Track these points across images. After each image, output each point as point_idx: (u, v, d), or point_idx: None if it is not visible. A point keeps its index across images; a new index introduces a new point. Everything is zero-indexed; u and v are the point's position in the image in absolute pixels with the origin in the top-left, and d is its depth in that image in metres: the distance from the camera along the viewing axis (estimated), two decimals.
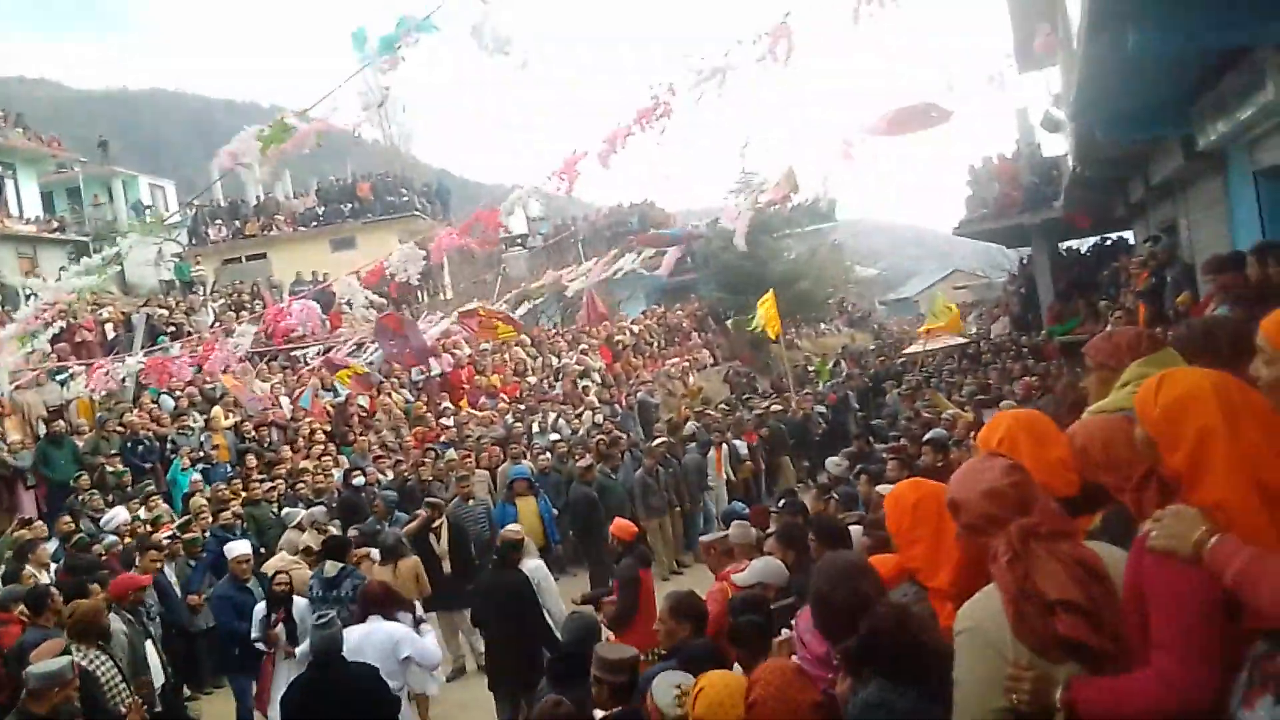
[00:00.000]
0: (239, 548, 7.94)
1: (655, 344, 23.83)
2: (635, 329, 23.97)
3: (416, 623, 6.62)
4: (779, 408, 16.04)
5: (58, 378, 14.28)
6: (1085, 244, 20.96)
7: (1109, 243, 19.58)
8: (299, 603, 7.02)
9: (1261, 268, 5.39)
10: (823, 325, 31.25)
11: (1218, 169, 9.35)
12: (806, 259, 28.35)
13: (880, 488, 6.20)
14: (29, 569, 8.11)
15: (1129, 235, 18.18)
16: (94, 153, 31.60)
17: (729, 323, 21.78)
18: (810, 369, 22.73)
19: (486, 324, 12.74)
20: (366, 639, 5.66)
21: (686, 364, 22.39)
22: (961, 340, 19.45)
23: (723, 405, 17.54)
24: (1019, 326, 19.59)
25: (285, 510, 10.54)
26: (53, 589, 6.59)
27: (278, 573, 7.39)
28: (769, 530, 5.92)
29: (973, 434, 7.87)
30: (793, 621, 3.51)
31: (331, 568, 7.22)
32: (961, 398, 12.64)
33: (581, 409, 16.45)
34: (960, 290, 42.13)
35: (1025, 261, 22.53)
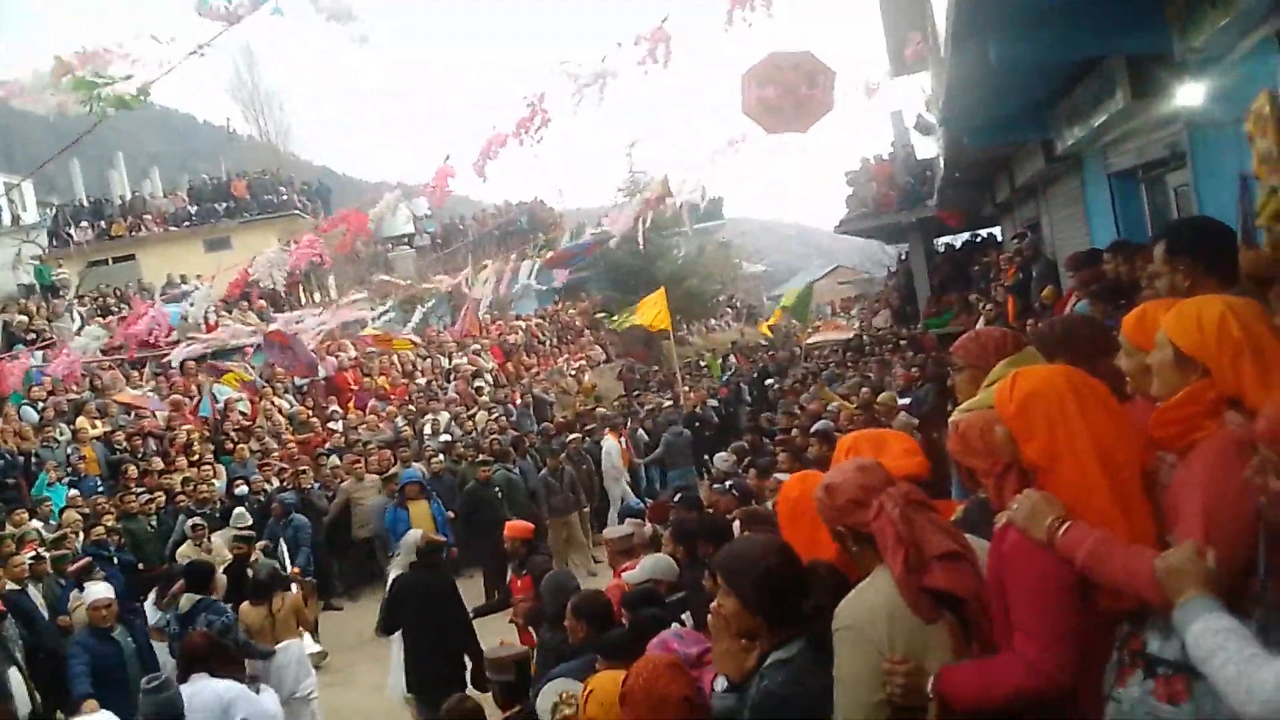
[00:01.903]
0: (97, 591, 6.82)
1: (548, 342, 23.79)
2: (527, 328, 23.88)
3: (250, 678, 5.85)
4: (669, 403, 16.25)
5: None
6: (958, 240, 21.88)
7: (979, 239, 20.50)
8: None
9: (1116, 264, 5.77)
10: (712, 321, 31.77)
11: (1075, 171, 9.93)
12: (695, 257, 28.78)
13: (775, 478, 6.42)
14: None
15: (997, 232, 19.09)
16: None
17: (608, 321, 21.82)
18: (702, 364, 23.08)
19: (383, 339, 12.57)
20: (191, 701, 4.60)
21: (580, 362, 22.45)
22: (846, 335, 20.09)
23: (616, 402, 17.67)
24: (899, 319, 20.30)
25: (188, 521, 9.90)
26: None
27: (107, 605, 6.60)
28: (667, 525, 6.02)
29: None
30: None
31: (186, 601, 6.57)
32: (841, 390, 13.08)
33: (475, 409, 16.29)
34: (844, 285, 43.52)
35: (903, 257, 23.32)
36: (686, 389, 17.70)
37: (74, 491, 11.20)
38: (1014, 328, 7.06)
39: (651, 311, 17.07)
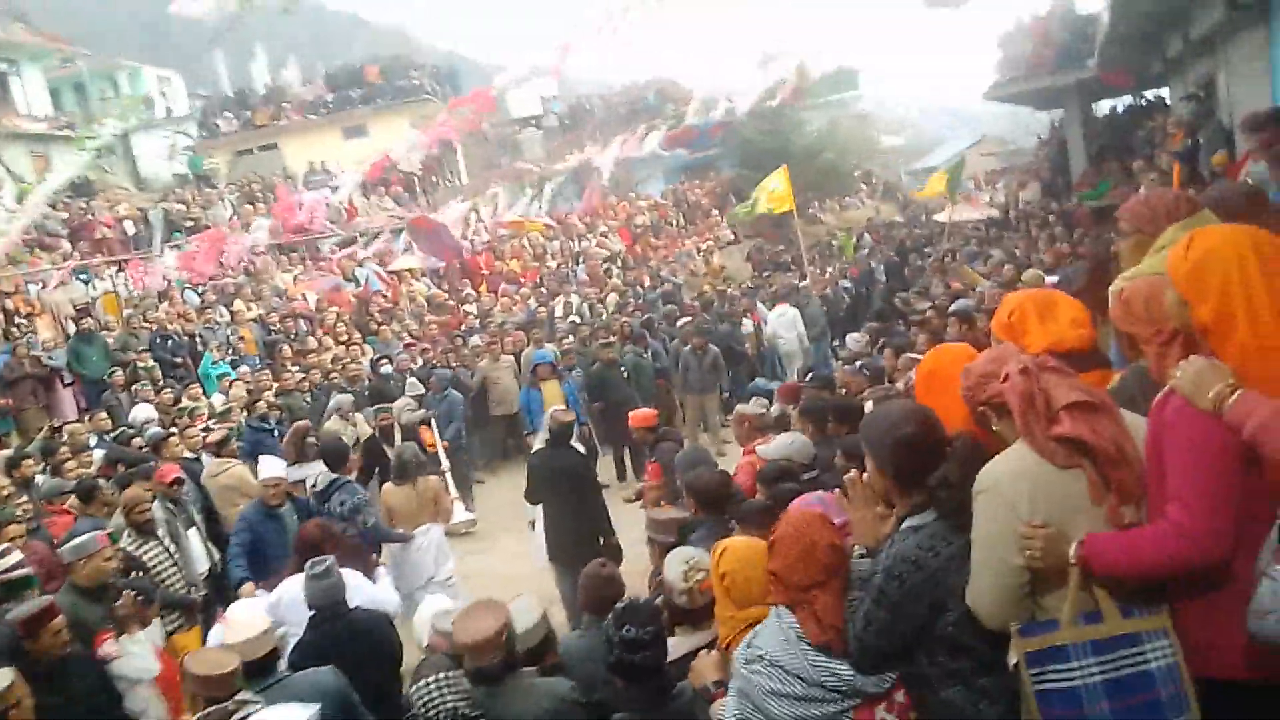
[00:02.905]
0: (270, 468, 6.77)
1: (675, 223, 23.55)
2: (654, 208, 23.67)
3: (376, 565, 5.95)
4: (800, 284, 15.91)
5: (81, 276, 14.43)
6: (1119, 105, 20.21)
7: (1144, 102, 18.86)
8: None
9: None
10: (847, 198, 30.68)
11: (1261, 21, 8.90)
12: (829, 130, 27.57)
13: (908, 358, 6.23)
14: (72, 463, 8.38)
15: (1165, 94, 17.48)
16: (98, 46, 30.96)
17: (732, 217, 21.24)
18: (834, 243, 22.44)
19: (516, 223, 12.73)
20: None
21: (708, 242, 22.19)
22: (990, 210, 19.04)
23: (745, 283, 17.46)
24: (1049, 192, 19.10)
25: (335, 398, 10.45)
26: (100, 480, 6.78)
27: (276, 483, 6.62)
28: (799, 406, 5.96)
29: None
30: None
31: (322, 479, 6.65)
32: (984, 269, 12.46)
33: (604, 292, 16.42)
34: (988, 157, 41.04)
35: (1057, 125, 21.82)
36: (816, 269, 17.28)
37: (245, 368, 12.05)
38: None
39: (773, 193, 16.42)
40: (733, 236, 23.95)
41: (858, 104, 33.87)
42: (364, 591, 4.86)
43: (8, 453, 9.10)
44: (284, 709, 2.97)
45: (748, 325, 13.65)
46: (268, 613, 4.65)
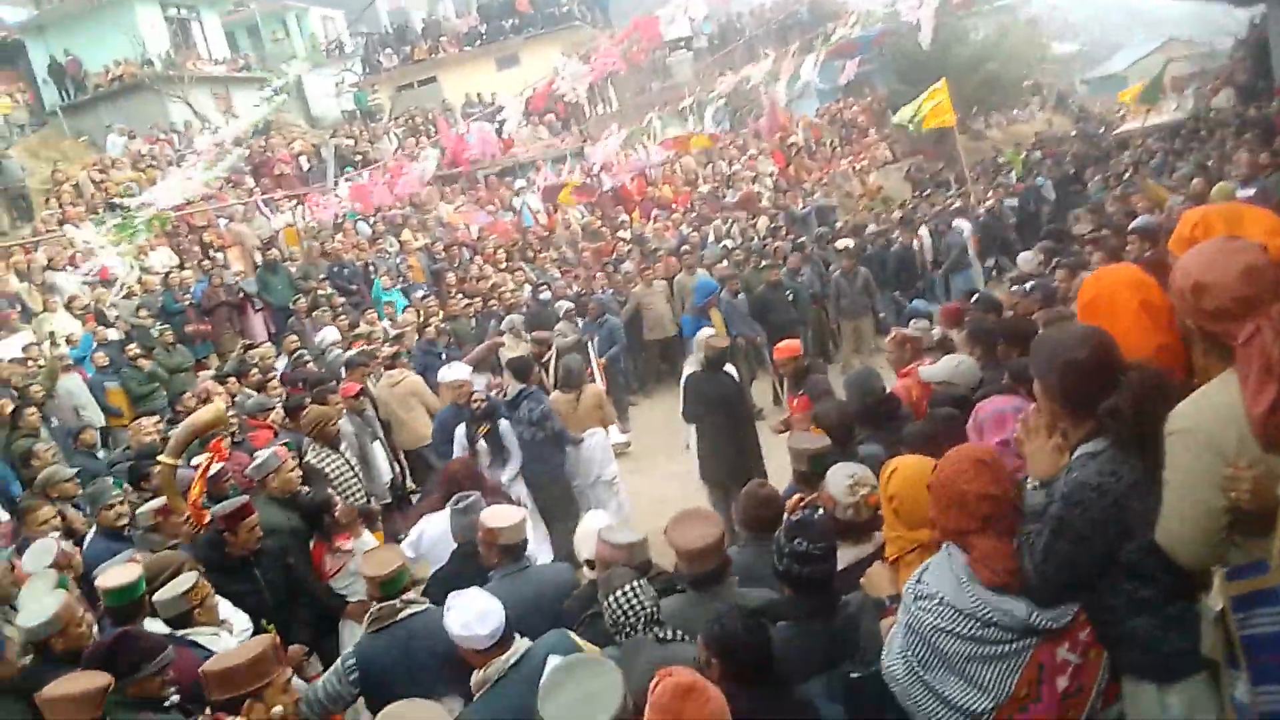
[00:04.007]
0: (455, 371, 7.35)
1: (830, 143, 22.83)
2: (808, 128, 23.00)
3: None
4: (958, 204, 15.20)
5: (264, 210, 15.46)
6: None
7: None
8: (502, 423, 6.86)
9: None
10: (1015, 111, 28.81)
11: None
12: (995, 39, 25.80)
13: (1084, 278, 5.91)
14: (274, 383, 9.16)
15: None
16: None
17: (895, 125, 20.15)
18: (1001, 159, 21.24)
19: (681, 140, 12.64)
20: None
21: (864, 162, 21.44)
22: (1177, 117, 17.52)
23: (904, 204, 16.84)
24: (1245, 98, 17.41)
25: (507, 318, 11.04)
26: (307, 399, 7.36)
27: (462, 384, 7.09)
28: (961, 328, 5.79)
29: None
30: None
31: (512, 389, 7.05)
32: (1170, 183, 11.54)
33: (756, 216, 16.22)
34: (1175, 61, 37.51)
35: (1256, 23, 19.70)
36: (982, 188, 16.44)
37: (420, 293, 12.70)
38: None
39: (934, 109, 15.51)
40: (891, 155, 23.02)
41: (1027, 8, 31.48)
42: None
43: (211, 373, 10.01)
44: (462, 602, 3.19)
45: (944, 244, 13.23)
46: (408, 549, 5.06)
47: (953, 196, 16.40)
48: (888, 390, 5.15)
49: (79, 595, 4.61)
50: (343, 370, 9.03)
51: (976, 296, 6.77)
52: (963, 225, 13.43)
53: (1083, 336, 2.39)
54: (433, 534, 5.02)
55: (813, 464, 4.13)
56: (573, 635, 3.24)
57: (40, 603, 3.89)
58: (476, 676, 3.10)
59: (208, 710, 3.12)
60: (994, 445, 2.98)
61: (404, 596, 3.69)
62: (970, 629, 2.37)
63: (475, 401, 6.82)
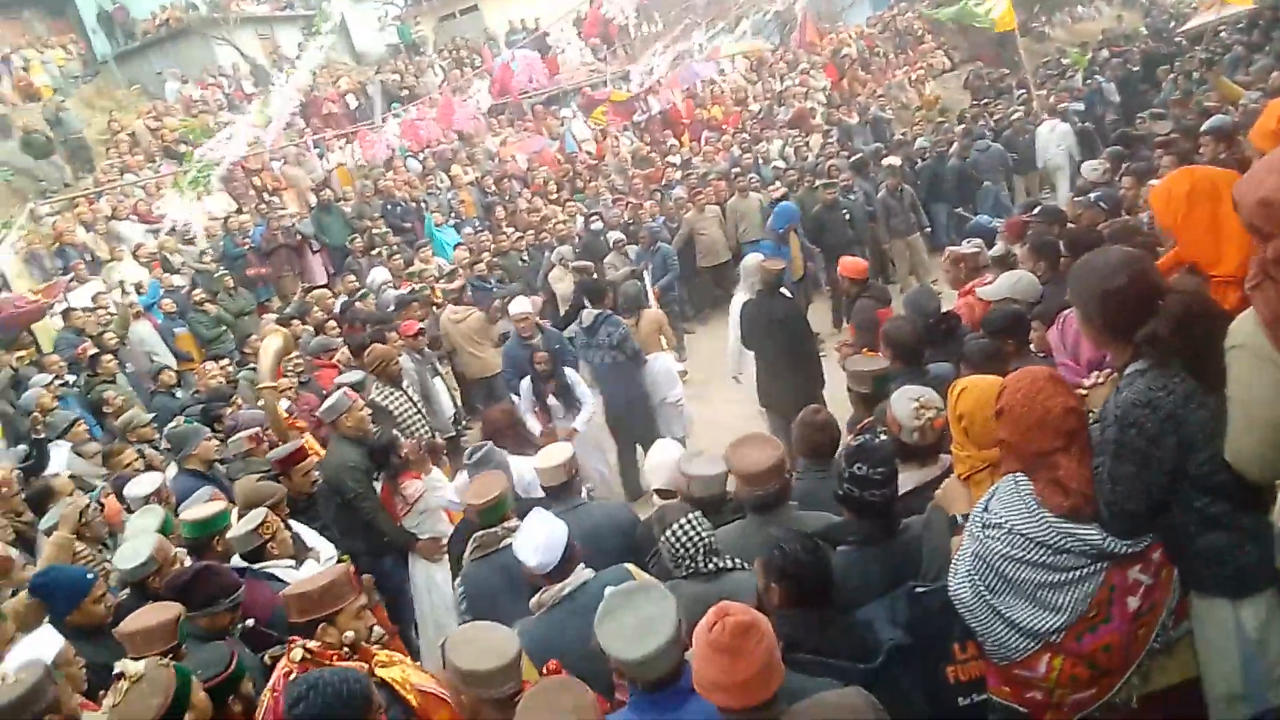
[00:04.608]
0: (520, 305, 7.58)
1: (884, 53, 22.02)
2: (861, 38, 22.19)
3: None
4: (1019, 114, 14.57)
5: (316, 150, 15.54)
6: None
7: None
8: (569, 374, 6.91)
9: None
10: (1080, 9, 27.38)
11: None
12: None
13: (1149, 185, 5.69)
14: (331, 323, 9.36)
15: None
16: None
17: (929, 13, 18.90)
18: (1065, 60, 20.28)
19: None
20: None
21: (920, 71, 20.66)
22: (1252, 5, 16.42)
23: (964, 113, 16.24)
24: None
25: (557, 249, 11.07)
26: (368, 338, 7.52)
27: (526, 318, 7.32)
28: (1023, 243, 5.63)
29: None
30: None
31: (588, 316, 7.21)
32: (1246, 78, 10.92)
33: (809, 133, 15.82)
34: None
35: None
36: (1044, 93, 15.74)
37: (470, 229, 12.74)
38: None
39: (990, 10, 14.66)
40: (948, 63, 22.13)
41: None
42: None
43: (274, 315, 10.23)
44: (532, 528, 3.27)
45: (973, 157, 12.77)
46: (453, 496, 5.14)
47: (1015, 103, 15.74)
48: (945, 309, 5.05)
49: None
50: (391, 309, 9.18)
51: (1038, 208, 6.56)
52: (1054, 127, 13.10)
53: (1120, 263, 2.34)
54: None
55: (876, 385, 4.10)
56: (632, 570, 3.30)
57: (135, 544, 4.11)
58: (533, 600, 3.19)
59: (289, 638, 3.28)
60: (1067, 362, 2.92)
61: (505, 524, 3.76)
62: (1041, 556, 2.36)
63: (540, 363, 6.84)
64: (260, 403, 6.70)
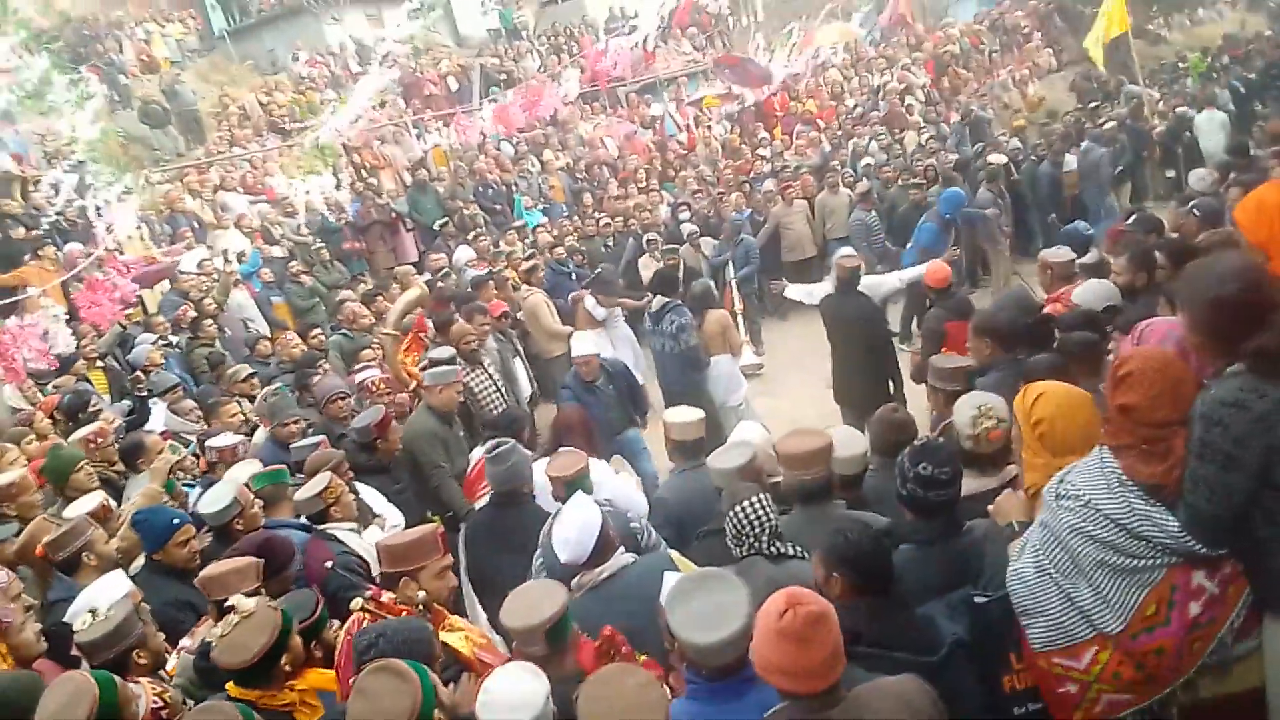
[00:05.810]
0: (582, 345, 6.78)
1: (988, 51, 21.41)
2: (966, 34, 21.60)
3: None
4: (1129, 118, 13.99)
5: (414, 130, 15.92)
6: None
7: None
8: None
9: None
10: (1200, 11, 26.11)
11: None
12: None
13: None
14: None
15: None
16: None
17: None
18: (1181, 64, 19.42)
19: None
20: None
21: (1025, 71, 20.05)
22: None
23: (1068, 116, 15.71)
24: None
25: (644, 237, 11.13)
26: (457, 316, 7.71)
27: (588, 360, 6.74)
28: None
29: None
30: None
31: (657, 303, 7.30)
32: None
33: (903, 131, 15.51)
34: None
35: None
36: (1157, 96, 15.12)
37: (558, 215, 12.88)
38: None
39: (1107, 15, 14.00)
40: (1055, 63, 21.40)
41: None
42: (611, 483, 4.59)
43: (366, 288, 10.56)
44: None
45: (1070, 162, 12.32)
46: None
47: (1122, 108, 15.15)
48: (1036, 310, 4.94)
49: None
50: (469, 289, 9.38)
51: (1136, 217, 6.36)
52: None
53: (1235, 270, 2.27)
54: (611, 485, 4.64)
55: (970, 381, 4.06)
56: (674, 556, 3.35)
57: (218, 490, 4.43)
58: (573, 582, 3.25)
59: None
60: None
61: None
62: (1111, 534, 2.32)
63: (588, 375, 6.54)
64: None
